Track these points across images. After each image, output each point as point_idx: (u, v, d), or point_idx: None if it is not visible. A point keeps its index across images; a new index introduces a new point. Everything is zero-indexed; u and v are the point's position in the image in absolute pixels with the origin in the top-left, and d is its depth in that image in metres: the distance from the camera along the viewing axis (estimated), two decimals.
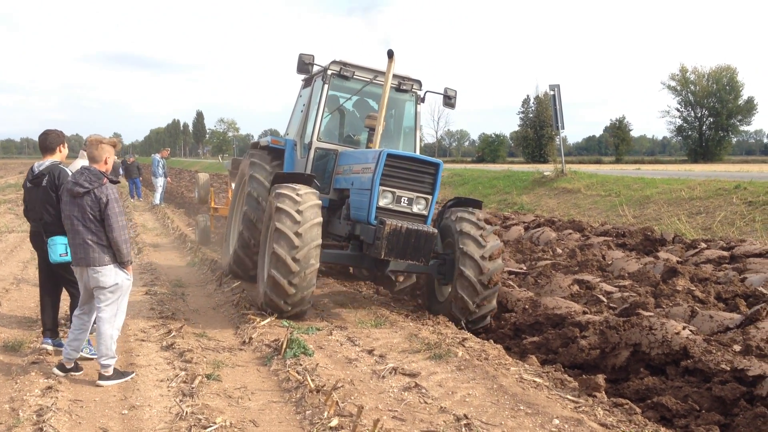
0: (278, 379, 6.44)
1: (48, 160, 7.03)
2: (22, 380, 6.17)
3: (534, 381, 6.36)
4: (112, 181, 6.26)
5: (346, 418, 5.30)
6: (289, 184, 8.64)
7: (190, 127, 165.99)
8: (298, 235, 7.96)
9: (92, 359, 6.73)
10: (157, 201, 26.21)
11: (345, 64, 10.10)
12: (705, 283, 9.73)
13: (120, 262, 6.21)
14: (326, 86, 10.04)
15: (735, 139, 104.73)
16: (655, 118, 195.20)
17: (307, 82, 11.30)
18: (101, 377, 6.25)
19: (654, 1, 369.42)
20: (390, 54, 9.19)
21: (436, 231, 8.31)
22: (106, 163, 6.32)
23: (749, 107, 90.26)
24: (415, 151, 10.47)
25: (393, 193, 8.51)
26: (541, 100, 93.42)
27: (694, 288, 9.29)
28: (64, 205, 6.27)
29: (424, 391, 6.02)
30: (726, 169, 39.41)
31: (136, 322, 8.54)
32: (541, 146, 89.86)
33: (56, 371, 6.38)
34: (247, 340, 7.77)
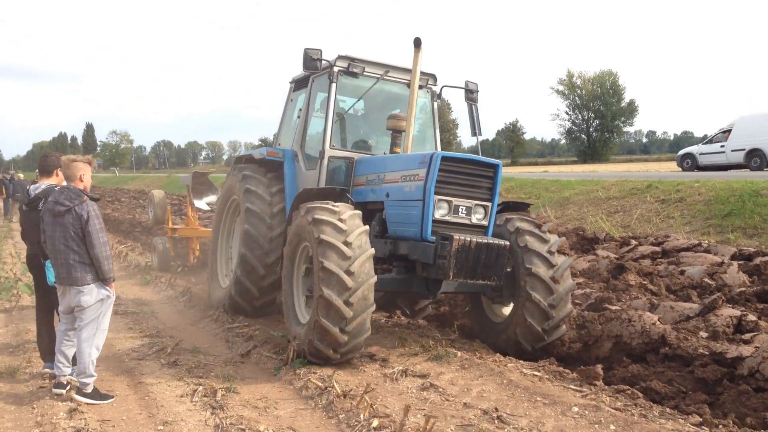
0: (295, 387, 6.68)
1: (44, 183, 7.01)
2: (40, 405, 6.18)
3: (535, 374, 6.88)
4: (92, 198, 6.36)
5: (384, 419, 5.61)
6: (325, 204, 7.36)
7: (79, 140, 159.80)
8: (350, 273, 6.71)
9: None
10: None
11: (353, 59, 8.95)
12: (651, 277, 10.56)
13: (102, 279, 6.31)
14: (334, 85, 8.80)
15: (618, 140, 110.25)
16: (545, 121, 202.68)
17: (299, 84, 10.09)
18: (78, 392, 6.31)
19: (542, 10, 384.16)
20: (417, 43, 8.30)
21: (508, 243, 7.39)
22: (81, 180, 6.42)
23: (631, 109, 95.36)
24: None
25: (449, 202, 7.41)
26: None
27: (644, 282, 10.11)
28: (45, 226, 6.35)
29: (441, 390, 6.41)
30: (625, 168, 41.72)
31: (120, 341, 8.54)
32: None
33: (57, 391, 6.40)
34: (244, 353, 7.95)
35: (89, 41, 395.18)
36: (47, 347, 7.15)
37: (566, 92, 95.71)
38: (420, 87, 9.21)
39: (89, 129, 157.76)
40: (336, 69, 8.84)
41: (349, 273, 6.71)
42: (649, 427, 5.44)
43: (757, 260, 10.98)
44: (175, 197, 31.84)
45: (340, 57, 8.88)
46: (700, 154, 28.98)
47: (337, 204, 7.38)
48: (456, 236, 7.02)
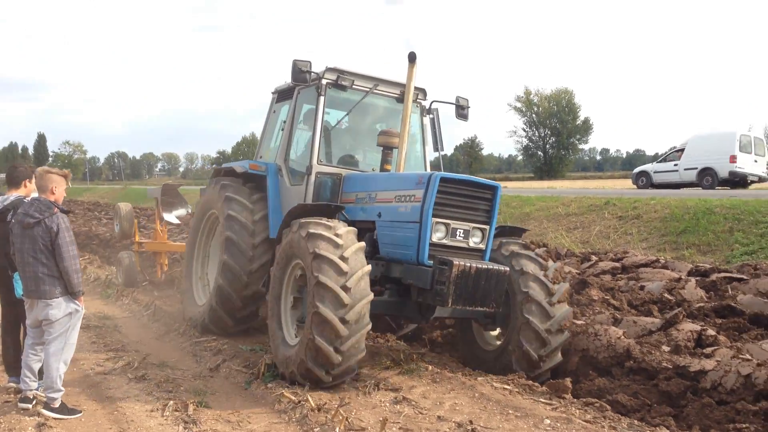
0: (267, 401, 6.67)
1: (13, 195, 6.90)
2: (6, 419, 6.05)
3: (505, 388, 6.98)
4: (63, 211, 6.31)
5: None
6: (318, 219, 7.12)
7: (31, 151, 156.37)
8: (345, 289, 6.46)
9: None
10: None
11: (342, 72, 8.63)
12: (612, 292, 10.79)
13: (71, 292, 6.25)
14: (322, 98, 8.53)
15: (573, 157, 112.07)
16: (503, 137, 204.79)
17: (282, 95, 9.75)
18: (45, 406, 6.20)
19: (498, 26, 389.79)
20: (411, 58, 8.11)
21: (508, 269, 7.16)
22: (53, 192, 6.36)
23: (586, 127, 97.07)
24: (425, 170, 9.26)
25: (447, 225, 7.16)
26: None
27: (607, 297, 10.32)
28: (14, 238, 6.28)
29: (414, 403, 6.47)
30: (581, 185, 42.44)
31: (84, 355, 8.40)
32: None
33: (23, 405, 6.29)
34: (213, 367, 7.91)
35: (41, 50, 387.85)
36: (13, 361, 7.01)
37: (524, 109, 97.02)
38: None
39: (41, 139, 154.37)
40: (324, 81, 8.57)
41: (345, 289, 6.48)
42: None
43: (713, 276, 11.31)
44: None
45: (328, 69, 8.62)
46: (655, 172, 29.68)
47: (331, 220, 7.20)
48: (456, 261, 6.76)
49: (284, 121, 9.45)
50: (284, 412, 6.33)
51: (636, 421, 6.12)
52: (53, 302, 6.15)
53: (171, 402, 6.53)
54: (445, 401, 6.54)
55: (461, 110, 9.38)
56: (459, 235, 7.25)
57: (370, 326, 6.66)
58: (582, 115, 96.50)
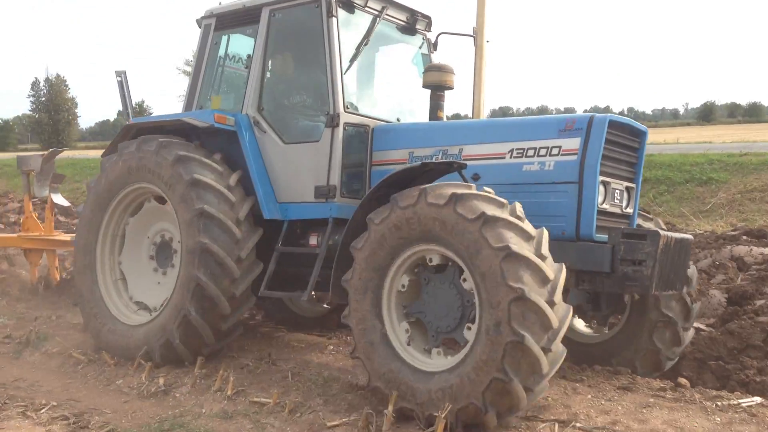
0: (50, 366, 6.63)
1: None
2: None
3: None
4: None
5: (167, 376, 6.00)
6: (469, 188, 4.83)
7: None
8: (552, 304, 4.42)
9: None
10: None
11: None
12: None
13: None
14: (334, 20, 6.37)
15: None
16: (175, 101, 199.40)
17: (227, 21, 7.26)
18: None
19: None
20: None
21: (692, 237, 5.87)
22: None
23: None
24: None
25: (606, 184, 5.47)
26: (52, 83, 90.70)
27: None
28: None
29: None
30: None
31: None
32: (58, 131, 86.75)
33: None
34: None
35: None
36: None
37: (190, 72, 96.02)
38: (413, 32, 7.37)
39: None
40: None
41: (551, 304, 4.42)
42: None
43: None
44: None
45: None
46: None
47: (487, 189, 4.93)
48: (662, 232, 5.17)
49: (233, 58, 7.44)
50: (76, 372, 6.41)
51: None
52: None
53: None
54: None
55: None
56: (616, 198, 5.66)
57: (564, 354, 4.65)
58: None
